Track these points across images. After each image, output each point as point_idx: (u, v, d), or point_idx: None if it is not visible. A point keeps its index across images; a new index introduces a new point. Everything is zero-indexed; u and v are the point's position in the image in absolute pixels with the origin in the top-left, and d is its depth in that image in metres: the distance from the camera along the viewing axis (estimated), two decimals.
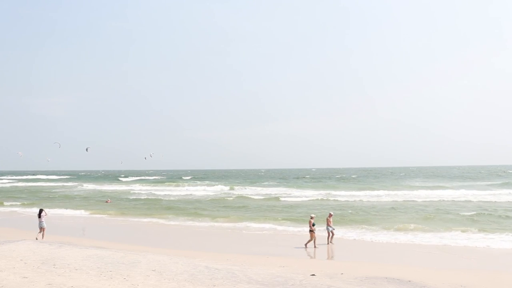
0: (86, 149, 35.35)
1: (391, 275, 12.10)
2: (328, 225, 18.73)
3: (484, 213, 27.61)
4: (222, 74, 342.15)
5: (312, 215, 18.46)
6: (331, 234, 18.66)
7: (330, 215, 19.17)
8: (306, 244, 17.91)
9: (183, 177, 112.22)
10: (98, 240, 19.20)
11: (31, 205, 38.90)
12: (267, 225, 24.18)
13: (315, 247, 17.74)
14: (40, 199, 47.47)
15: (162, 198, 46.93)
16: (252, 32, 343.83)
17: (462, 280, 11.82)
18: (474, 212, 28.05)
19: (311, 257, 16.55)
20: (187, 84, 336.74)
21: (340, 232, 21.09)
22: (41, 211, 20.02)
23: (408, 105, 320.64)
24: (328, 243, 18.48)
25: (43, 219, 19.61)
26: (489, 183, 66.14)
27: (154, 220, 27.80)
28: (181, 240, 20.55)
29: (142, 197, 48.18)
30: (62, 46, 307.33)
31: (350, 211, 30.50)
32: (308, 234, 18.13)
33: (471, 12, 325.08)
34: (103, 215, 30.94)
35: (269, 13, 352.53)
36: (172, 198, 46.15)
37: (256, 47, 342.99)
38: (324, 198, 41.82)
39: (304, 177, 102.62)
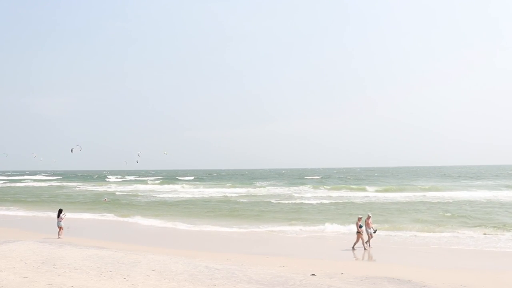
0: (71, 150, 33.96)
1: (391, 275, 12.10)
2: (367, 227, 18.04)
3: (493, 213, 27.69)
4: (222, 74, 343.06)
5: (360, 216, 18.03)
6: (370, 236, 17.99)
7: (369, 217, 18.39)
8: (353, 247, 17.49)
9: (187, 177, 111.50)
10: (98, 240, 19.19)
11: (30, 207, 38.92)
12: (276, 227, 23.60)
13: (365, 249, 17.24)
14: (40, 200, 47.47)
15: (163, 198, 46.90)
16: (252, 31, 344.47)
17: (462, 280, 11.82)
18: (482, 212, 28.19)
19: (360, 259, 16.10)
20: (187, 84, 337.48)
21: (341, 231, 21.09)
22: (60, 211, 20.98)
23: (408, 105, 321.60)
24: (366, 248, 17.55)
25: (61, 218, 20.57)
26: (501, 182, 65.88)
27: (154, 219, 27.75)
28: (181, 240, 20.52)
29: (143, 198, 48.16)
30: (62, 46, 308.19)
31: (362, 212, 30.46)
32: (355, 235, 17.61)
33: (471, 12, 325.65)
34: (103, 215, 30.87)
35: (269, 13, 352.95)
36: (178, 199, 46.09)
37: (256, 46, 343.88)
38: (340, 201, 40.65)
39: (311, 177, 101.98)
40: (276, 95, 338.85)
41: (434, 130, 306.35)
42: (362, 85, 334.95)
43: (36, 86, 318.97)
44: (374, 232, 18.20)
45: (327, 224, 23.42)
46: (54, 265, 11.80)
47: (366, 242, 17.63)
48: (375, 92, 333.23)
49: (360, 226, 17.44)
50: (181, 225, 25.19)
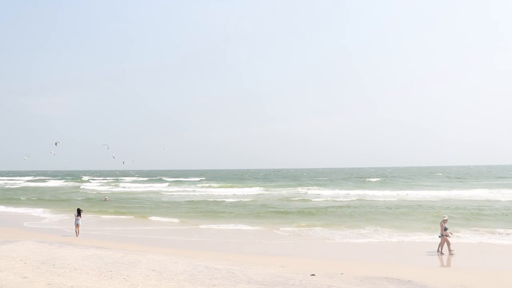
0: (55, 144, 33.44)
1: (391, 275, 12.08)
2: (441, 230, 16.78)
3: (493, 212, 27.77)
4: (222, 73, 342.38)
5: (445, 218, 16.91)
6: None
7: (445, 221, 16.83)
8: (450, 251, 16.25)
9: (194, 178, 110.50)
10: (98, 240, 19.21)
11: (31, 207, 38.95)
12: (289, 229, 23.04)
13: (442, 253, 16.33)
14: (41, 200, 47.48)
15: (164, 198, 46.88)
16: (252, 31, 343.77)
17: (462, 280, 11.81)
18: (483, 212, 28.25)
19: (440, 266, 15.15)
20: (187, 84, 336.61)
21: (345, 232, 21.06)
22: (80, 211, 22.31)
23: (408, 105, 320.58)
24: (439, 251, 16.54)
25: (79, 217, 21.80)
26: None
27: (155, 220, 27.75)
28: (181, 240, 20.53)
29: (145, 198, 48.15)
30: (62, 46, 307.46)
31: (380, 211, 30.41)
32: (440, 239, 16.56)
33: (471, 12, 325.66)
34: (102, 216, 30.87)
35: (268, 12, 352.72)
36: (181, 200, 46.06)
37: (256, 46, 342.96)
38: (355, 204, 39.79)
39: (317, 178, 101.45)
40: (276, 95, 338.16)
41: (435, 130, 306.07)
42: (362, 85, 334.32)
43: (35, 86, 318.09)
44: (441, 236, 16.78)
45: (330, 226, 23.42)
46: (54, 265, 11.80)
47: (439, 246, 16.60)
48: (375, 92, 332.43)
49: (445, 229, 16.36)
50: (182, 224, 25.12)
